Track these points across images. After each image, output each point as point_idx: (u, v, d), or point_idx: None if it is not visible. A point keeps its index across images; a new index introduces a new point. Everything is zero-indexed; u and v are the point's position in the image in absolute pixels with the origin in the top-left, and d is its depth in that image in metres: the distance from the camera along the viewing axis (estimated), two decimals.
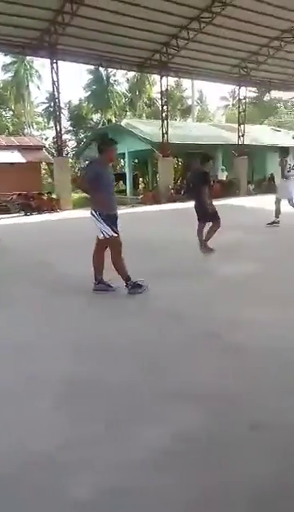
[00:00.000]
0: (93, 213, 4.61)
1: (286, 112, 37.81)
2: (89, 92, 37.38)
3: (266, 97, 40.00)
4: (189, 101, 38.95)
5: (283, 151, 10.22)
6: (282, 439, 2.07)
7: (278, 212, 9.29)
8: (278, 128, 29.48)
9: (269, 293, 4.53)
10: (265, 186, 24.06)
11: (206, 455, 1.99)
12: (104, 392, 2.60)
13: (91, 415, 2.35)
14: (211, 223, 6.75)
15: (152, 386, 2.64)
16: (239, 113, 22.07)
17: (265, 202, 10.42)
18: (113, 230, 4.56)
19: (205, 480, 1.82)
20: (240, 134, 21.50)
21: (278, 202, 9.30)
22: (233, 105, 36.65)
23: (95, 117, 38.74)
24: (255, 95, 38.49)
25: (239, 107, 22.34)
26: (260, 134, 25.41)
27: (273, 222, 9.34)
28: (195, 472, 1.88)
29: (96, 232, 4.62)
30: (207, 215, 6.72)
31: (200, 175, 6.88)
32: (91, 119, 38.75)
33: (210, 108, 45.61)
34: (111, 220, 4.59)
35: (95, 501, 1.72)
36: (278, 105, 40.35)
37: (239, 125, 21.65)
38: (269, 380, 2.66)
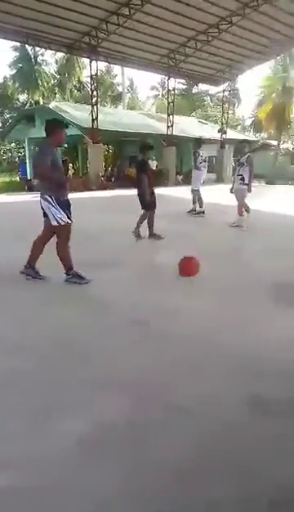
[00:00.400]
0: (48, 198, 4.34)
1: (212, 106, 38.97)
2: (14, 71, 35.42)
3: (194, 90, 40.88)
4: (120, 88, 38.64)
5: (196, 143, 10.76)
6: (202, 424, 2.15)
7: (200, 201, 9.69)
8: (204, 121, 30.34)
9: (197, 282, 4.67)
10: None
11: (128, 441, 2.01)
12: (23, 382, 2.51)
13: (10, 408, 2.26)
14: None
15: (76, 375, 2.60)
16: (168, 103, 22.35)
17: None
18: (67, 216, 4.38)
19: (126, 466, 1.84)
20: (169, 124, 21.77)
21: (193, 192, 9.81)
22: (162, 95, 37.00)
23: (22, 97, 36.91)
24: (184, 87, 39.16)
25: (168, 98, 22.61)
26: (188, 126, 25.96)
27: (198, 212, 9.72)
28: (117, 459, 1.89)
29: (50, 218, 4.37)
30: (143, 203, 6.89)
31: (139, 164, 7.01)
32: (18, 99, 36.88)
33: (140, 97, 45.68)
34: (66, 205, 4.41)
35: (13, 500, 1.66)
36: (205, 98, 41.50)
37: (168, 115, 21.90)
38: (192, 368, 2.74)
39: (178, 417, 2.19)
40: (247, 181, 8.11)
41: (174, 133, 22.02)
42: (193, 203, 10.03)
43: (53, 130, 4.42)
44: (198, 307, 3.82)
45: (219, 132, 24.78)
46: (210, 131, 26.57)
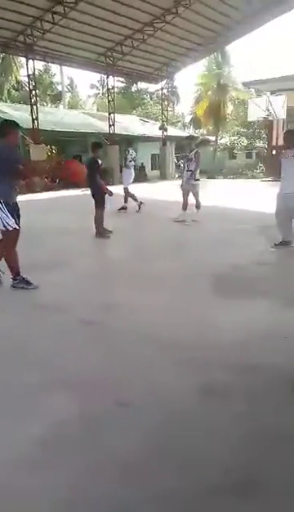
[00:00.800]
0: None
1: (152, 104, 39.31)
2: None
3: (134, 88, 41.04)
4: (60, 87, 37.88)
5: (127, 143, 11.06)
6: (148, 416, 2.18)
7: (134, 197, 9.84)
8: (146, 119, 30.56)
9: (145, 277, 4.74)
10: (137, 174, 24.85)
11: (79, 440, 2.01)
12: None
13: None
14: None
15: (23, 377, 2.55)
16: (109, 102, 22.27)
17: (138, 189, 10.81)
18: (16, 222, 4.22)
19: (79, 464, 1.84)
20: (110, 123, 21.71)
21: (124, 190, 10.09)
22: (103, 93, 36.76)
23: None
24: (123, 85, 39.14)
25: (108, 96, 22.52)
26: (129, 124, 26.03)
27: (124, 208, 9.94)
28: (69, 459, 1.88)
29: None
30: (99, 201, 7.03)
31: (89, 162, 7.16)
32: None
33: (81, 95, 45.04)
34: (15, 210, 4.24)
35: None
36: (145, 96, 41.78)
37: (109, 114, 21.84)
38: (141, 363, 2.76)
39: (127, 411, 2.21)
40: (197, 177, 8.40)
41: (116, 132, 21.98)
42: (125, 201, 10.14)
43: (7, 131, 4.24)
44: (146, 302, 3.87)
45: (160, 129, 25.09)
46: (151, 128, 26.85)
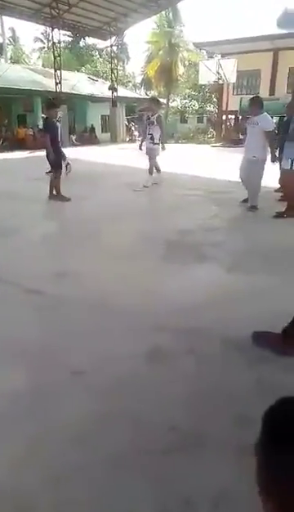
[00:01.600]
0: None
1: (101, 61, 37.54)
2: None
3: (82, 43, 38.86)
4: (1, 39, 35.04)
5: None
6: (99, 382, 2.21)
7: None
8: (95, 78, 29.21)
9: (93, 245, 4.67)
10: (87, 137, 24.05)
11: (31, 410, 2.00)
12: None
13: None
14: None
15: None
16: (55, 57, 20.88)
17: (89, 153, 10.48)
18: None
19: (30, 435, 1.84)
20: (57, 81, 20.50)
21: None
22: (48, 48, 34.43)
23: None
24: (70, 39, 36.93)
25: (54, 51, 21.09)
26: (78, 82, 24.79)
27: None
28: (20, 429, 1.88)
29: None
30: (51, 163, 6.87)
31: (43, 123, 6.94)
32: None
33: (25, 49, 41.93)
34: None
35: None
36: (94, 53, 39.74)
37: (55, 71, 20.56)
38: (88, 331, 2.75)
39: (78, 379, 2.22)
40: (157, 141, 8.24)
41: (63, 90, 20.87)
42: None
43: None
44: (94, 270, 3.84)
45: (109, 89, 24.12)
46: (101, 88, 25.77)
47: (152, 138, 8.25)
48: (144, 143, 8.55)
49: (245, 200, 6.57)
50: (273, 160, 6.18)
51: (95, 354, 2.45)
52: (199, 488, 1.58)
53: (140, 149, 8.60)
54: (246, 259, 4.10)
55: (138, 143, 9.55)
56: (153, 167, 8.51)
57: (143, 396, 2.09)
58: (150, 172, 8.51)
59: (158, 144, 8.35)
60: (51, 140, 6.78)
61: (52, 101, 7.68)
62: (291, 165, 5.59)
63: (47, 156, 6.91)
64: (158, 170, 8.61)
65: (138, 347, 2.51)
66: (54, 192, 7.03)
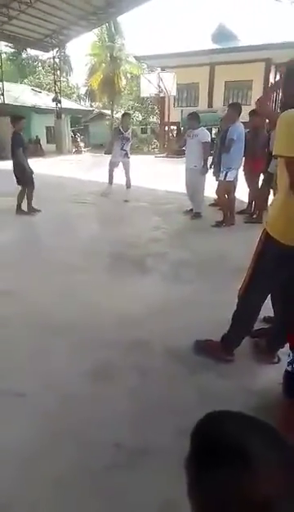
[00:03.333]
0: None
1: (44, 73, 37.02)
2: None
3: (24, 55, 38.11)
4: None
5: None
6: (43, 404, 2.16)
7: None
8: (38, 89, 28.74)
9: (38, 258, 4.58)
10: (32, 148, 23.51)
11: None
12: None
13: None
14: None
15: None
16: None
17: (34, 165, 10.26)
18: None
19: None
20: (0, 92, 19.98)
21: None
22: None
23: None
24: (12, 50, 36.09)
25: None
26: (21, 94, 24.27)
27: None
28: None
29: None
30: (22, 179, 6.78)
31: (12, 137, 6.71)
32: None
33: None
34: None
35: None
36: (37, 64, 39.10)
37: None
38: (30, 349, 2.70)
39: (20, 401, 2.17)
40: (129, 155, 8.35)
41: (6, 102, 20.34)
42: None
43: None
44: (39, 286, 3.74)
45: (53, 101, 23.83)
46: (45, 99, 25.40)
47: (126, 154, 8.34)
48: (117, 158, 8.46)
49: (189, 210, 6.78)
50: (206, 172, 6.48)
51: (39, 374, 2.40)
52: (145, 500, 1.60)
53: (116, 165, 8.54)
54: (185, 269, 4.20)
55: (84, 154, 9.55)
56: (110, 177, 8.56)
57: (87, 414, 2.08)
58: (128, 185, 8.51)
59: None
60: (21, 153, 6.71)
61: (17, 114, 7.47)
62: (225, 176, 5.86)
63: (21, 171, 6.74)
64: (111, 182, 8.66)
65: (82, 364, 2.49)
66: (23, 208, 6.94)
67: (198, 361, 2.52)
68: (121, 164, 8.45)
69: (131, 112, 32.37)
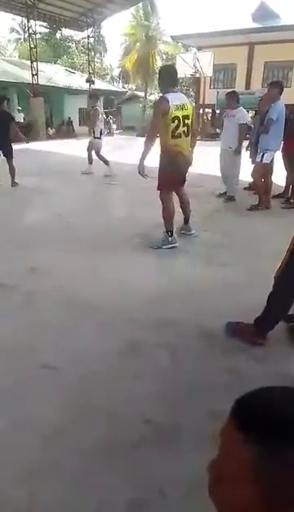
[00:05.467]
0: None
1: (78, 53, 36.88)
2: None
3: (58, 35, 38.05)
4: None
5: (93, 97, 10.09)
6: (72, 377, 2.18)
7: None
8: (72, 70, 28.69)
9: (65, 237, 4.60)
10: (65, 130, 23.66)
11: (1, 406, 1.97)
12: None
13: None
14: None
15: None
16: (31, 48, 20.34)
17: (65, 146, 10.32)
18: None
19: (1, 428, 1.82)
20: (33, 72, 20.01)
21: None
22: (25, 39, 33.56)
23: None
24: (47, 30, 36.09)
25: (30, 42, 20.55)
26: (54, 74, 24.28)
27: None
28: None
29: None
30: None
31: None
32: None
33: (1, 40, 40.74)
34: None
35: None
36: (71, 45, 38.99)
37: (32, 62, 20.06)
38: (59, 328, 2.69)
39: (51, 374, 2.19)
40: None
41: (41, 82, 20.41)
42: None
43: None
44: (68, 265, 3.74)
45: (87, 82, 23.71)
46: (78, 80, 25.34)
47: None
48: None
49: (222, 194, 6.63)
50: (240, 153, 6.27)
51: (68, 350, 2.41)
52: (173, 477, 1.59)
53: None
54: (217, 251, 4.13)
55: (115, 136, 9.51)
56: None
57: (117, 391, 2.08)
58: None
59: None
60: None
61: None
62: (262, 158, 5.66)
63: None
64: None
65: (111, 342, 2.49)
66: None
67: (230, 343, 2.47)
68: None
69: None
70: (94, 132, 8.49)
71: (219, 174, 6.70)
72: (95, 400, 2.01)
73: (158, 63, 29.97)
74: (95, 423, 1.86)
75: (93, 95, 9.62)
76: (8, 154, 7.24)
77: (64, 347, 2.45)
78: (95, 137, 8.50)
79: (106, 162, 8.63)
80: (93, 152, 8.77)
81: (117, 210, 6.03)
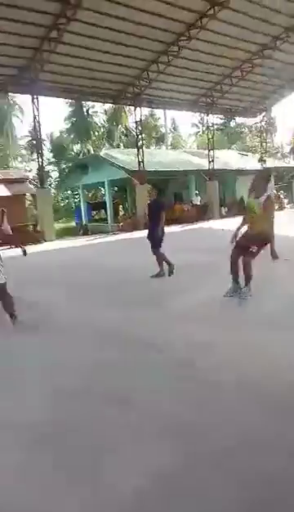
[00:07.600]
0: None
1: (250, 137, 38.03)
2: (69, 124, 36.94)
3: (232, 123, 40.32)
4: (163, 129, 38.90)
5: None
6: None
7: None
8: (244, 153, 29.44)
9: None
10: (236, 208, 23.80)
11: None
12: None
13: None
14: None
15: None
16: (208, 139, 21.85)
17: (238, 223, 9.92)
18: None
19: None
20: (210, 159, 21.19)
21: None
22: (203, 131, 36.68)
23: (76, 147, 38.17)
24: (222, 121, 38.69)
25: (208, 134, 22.13)
26: (228, 159, 25.24)
27: None
28: None
29: None
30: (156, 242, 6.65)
31: (156, 205, 6.81)
32: (72, 150, 38.15)
33: (182, 135, 45.60)
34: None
35: None
36: (243, 130, 40.68)
37: (209, 151, 21.36)
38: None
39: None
40: None
41: (216, 167, 21.35)
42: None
43: None
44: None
45: (259, 162, 23.81)
46: (251, 161, 25.69)
47: None
48: None
49: None
50: None
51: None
52: None
53: None
54: None
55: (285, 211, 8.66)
56: None
57: None
58: None
59: None
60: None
61: (156, 184, 7.83)
62: None
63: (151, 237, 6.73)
64: None
65: None
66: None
67: None
68: None
69: None
70: None
71: None
72: None
73: None
74: None
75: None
76: (155, 246, 6.70)
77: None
78: None
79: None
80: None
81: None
